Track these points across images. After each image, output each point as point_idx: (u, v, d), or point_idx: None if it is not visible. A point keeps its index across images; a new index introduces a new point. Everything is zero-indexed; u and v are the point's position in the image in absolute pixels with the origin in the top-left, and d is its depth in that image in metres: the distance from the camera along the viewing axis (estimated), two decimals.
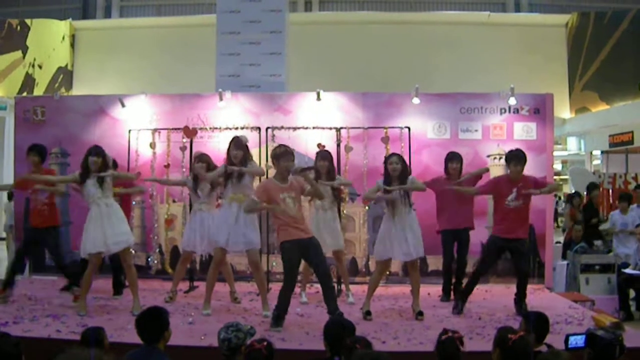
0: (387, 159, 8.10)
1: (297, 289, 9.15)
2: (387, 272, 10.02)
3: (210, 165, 8.79)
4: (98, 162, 8.00)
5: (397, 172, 7.84)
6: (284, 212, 7.20)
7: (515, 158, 8.25)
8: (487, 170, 9.49)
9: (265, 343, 4.44)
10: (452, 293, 9.17)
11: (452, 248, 9.14)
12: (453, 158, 9.18)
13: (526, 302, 8.17)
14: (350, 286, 9.20)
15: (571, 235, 11.91)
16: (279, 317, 7.19)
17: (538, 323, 5.05)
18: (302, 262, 7.81)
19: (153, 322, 4.71)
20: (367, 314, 7.88)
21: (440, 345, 4.44)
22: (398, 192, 7.81)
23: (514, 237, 8.15)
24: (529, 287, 8.50)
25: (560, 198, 21.04)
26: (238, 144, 7.97)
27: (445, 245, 9.20)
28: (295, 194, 7.29)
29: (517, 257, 8.27)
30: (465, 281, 8.88)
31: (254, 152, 8.44)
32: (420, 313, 7.87)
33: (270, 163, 9.92)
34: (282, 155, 7.31)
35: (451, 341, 4.42)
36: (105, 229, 7.94)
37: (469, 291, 8.45)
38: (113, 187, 8.18)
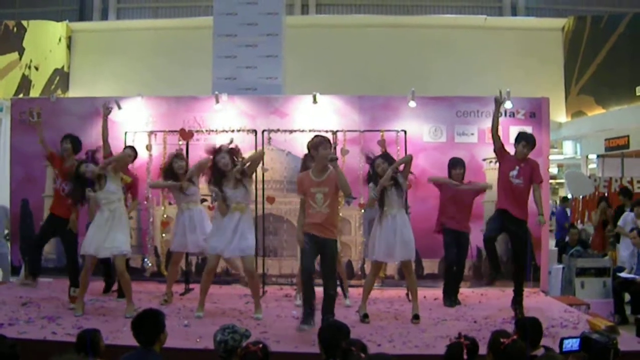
0: (372, 162, 8.09)
1: (292, 292, 9.20)
2: (383, 275, 10.07)
3: (186, 165, 9.04)
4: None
5: (385, 171, 7.87)
6: (312, 208, 7.24)
7: (525, 139, 8.42)
8: (490, 187, 9.40)
9: (260, 345, 4.45)
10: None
11: (454, 248, 9.06)
12: (456, 164, 9.20)
13: (523, 306, 8.19)
14: (348, 299, 9.19)
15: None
16: (308, 314, 7.11)
17: (531, 328, 5.05)
18: (299, 266, 7.84)
19: (149, 324, 4.71)
20: (365, 317, 7.90)
21: (447, 349, 4.47)
22: (391, 188, 7.86)
23: (515, 216, 8.19)
24: (525, 290, 8.50)
25: (556, 202, 21.08)
26: (219, 151, 8.02)
27: (447, 245, 9.09)
28: (330, 189, 7.22)
29: (516, 245, 8.33)
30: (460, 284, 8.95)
31: (249, 154, 8.42)
32: (416, 317, 7.88)
33: (267, 166, 10.02)
34: (320, 143, 7.28)
35: (457, 346, 4.44)
36: (102, 234, 8.00)
37: (496, 264, 8.54)
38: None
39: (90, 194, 8.08)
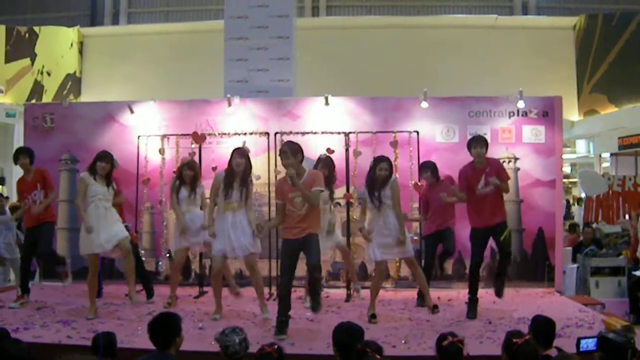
0: (377, 162, 8.06)
1: (302, 294, 9.21)
2: (397, 276, 10.06)
3: (196, 173, 9.02)
4: (106, 169, 8.27)
5: (382, 177, 7.90)
6: (291, 212, 7.28)
7: (475, 140, 8.31)
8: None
9: (275, 347, 4.47)
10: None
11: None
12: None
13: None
14: (362, 290, 9.20)
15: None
16: (281, 323, 7.17)
17: (544, 327, 5.03)
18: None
19: (165, 327, 4.72)
20: (372, 317, 7.93)
21: (442, 351, 4.44)
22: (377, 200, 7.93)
23: (494, 224, 8.18)
24: (540, 290, 8.51)
25: (569, 201, 20.99)
26: (241, 153, 8.01)
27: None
28: None
29: (497, 239, 8.26)
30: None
31: (262, 157, 8.43)
32: (436, 307, 7.90)
33: (280, 168, 10.01)
34: (281, 153, 7.35)
35: (453, 346, 4.42)
36: (100, 230, 8.10)
37: (474, 289, 8.41)
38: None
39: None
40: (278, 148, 9.96)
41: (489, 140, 10.29)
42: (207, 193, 8.78)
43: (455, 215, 9.21)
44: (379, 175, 7.88)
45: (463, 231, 9.08)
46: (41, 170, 9.18)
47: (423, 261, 9.15)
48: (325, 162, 8.81)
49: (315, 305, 7.29)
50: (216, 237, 8.00)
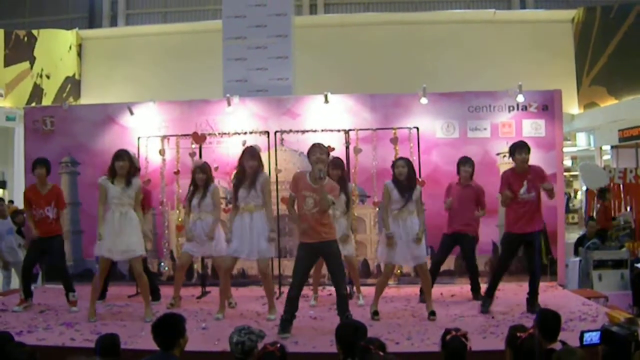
0: (394, 162, 8.10)
1: (309, 292, 9.20)
2: (399, 273, 10.07)
3: (209, 176, 8.88)
4: (125, 167, 8.12)
5: (403, 175, 7.86)
6: (301, 210, 7.23)
7: (519, 147, 8.20)
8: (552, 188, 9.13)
9: (278, 345, 4.46)
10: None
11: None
12: (466, 162, 9.14)
13: (539, 301, 8.15)
14: (363, 288, 9.22)
15: None
16: (286, 322, 7.16)
17: (550, 321, 5.02)
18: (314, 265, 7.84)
19: (169, 328, 4.71)
20: (375, 314, 7.93)
21: (446, 345, 4.43)
22: (401, 201, 7.87)
23: (530, 231, 8.11)
24: (542, 284, 8.48)
25: (571, 195, 20.99)
26: (253, 153, 7.95)
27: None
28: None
29: (531, 252, 8.22)
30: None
31: (262, 156, 8.39)
32: (433, 313, 7.86)
33: (280, 167, 10.04)
34: (310, 150, 7.29)
35: (457, 340, 4.41)
36: (115, 237, 8.00)
37: (492, 291, 8.42)
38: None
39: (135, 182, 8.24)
40: (278, 146, 10.03)
41: (489, 135, 10.41)
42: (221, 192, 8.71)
43: (478, 223, 9.23)
44: (399, 174, 7.90)
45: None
46: (57, 188, 9.25)
47: (433, 257, 9.17)
48: (336, 163, 8.73)
49: (349, 314, 7.14)
50: (232, 237, 7.98)
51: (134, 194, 8.13)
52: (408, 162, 7.99)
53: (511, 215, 8.26)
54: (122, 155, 8.18)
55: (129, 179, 8.13)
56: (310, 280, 9.45)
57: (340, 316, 7.14)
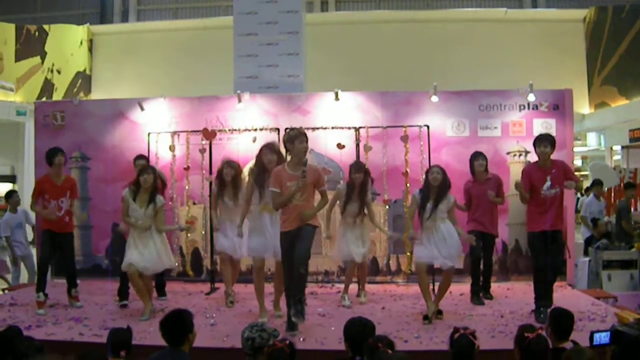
0: (428, 169, 8.04)
1: (317, 289, 9.20)
2: (409, 272, 10.05)
3: (236, 171, 8.76)
4: (149, 180, 8.06)
5: (437, 182, 7.77)
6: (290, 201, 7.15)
7: (541, 139, 8.00)
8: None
9: (287, 342, 4.46)
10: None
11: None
12: (478, 156, 9.09)
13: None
14: (372, 285, 9.24)
15: None
16: (293, 317, 7.07)
17: (564, 319, 5.01)
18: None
19: (177, 324, 4.72)
20: (438, 313, 7.85)
21: (455, 344, 4.43)
22: (430, 210, 7.78)
23: (553, 229, 7.91)
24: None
25: (582, 194, 20.92)
26: (273, 149, 7.91)
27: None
28: (305, 184, 7.10)
29: (555, 249, 8.07)
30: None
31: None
32: (440, 312, 7.85)
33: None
34: (296, 137, 7.17)
35: (465, 338, 4.41)
36: (140, 255, 8.02)
37: (541, 296, 7.95)
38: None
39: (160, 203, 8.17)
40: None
41: (499, 134, 10.38)
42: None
43: (498, 220, 9.23)
44: (433, 180, 7.81)
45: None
46: (72, 178, 9.22)
47: (470, 257, 9.13)
48: (357, 167, 8.76)
49: (296, 316, 6.97)
50: (251, 237, 7.97)
51: (154, 213, 8.11)
52: (442, 170, 7.88)
53: (533, 213, 8.03)
54: (147, 169, 8.17)
55: (152, 195, 8.11)
56: (319, 278, 9.50)
57: (289, 297, 7.11)
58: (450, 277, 7.90)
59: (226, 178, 8.67)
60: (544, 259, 7.90)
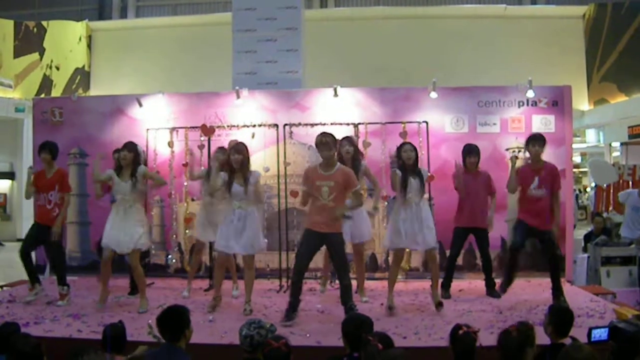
0: (400, 147, 8.04)
1: (317, 286, 9.21)
2: (407, 267, 10.03)
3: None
4: (128, 157, 8.18)
5: (411, 160, 7.85)
6: (315, 200, 7.32)
7: (533, 139, 8.24)
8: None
9: (283, 341, 4.44)
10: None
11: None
12: (471, 152, 9.08)
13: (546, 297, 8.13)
14: (371, 282, 9.22)
15: None
16: (290, 308, 7.29)
17: (563, 315, 5.00)
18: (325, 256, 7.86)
19: (174, 320, 4.72)
20: (390, 309, 7.87)
21: (457, 341, 4.42)
22: (414, 183, 7.83)
23: (540, 230, 8.12)
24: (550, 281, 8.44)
25: (580, 191, 20.93)
26: (352, 141, 8.24)
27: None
28: (335, 184, 7.26)
29: (549, 247, 8.18)
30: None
31: (271, 149, 8.33)
32: (440, 304, 7.85)
33: (288, 160, 10.03)
34: (319, 145, 7.34)
35: (468, 336, 4.40)
36: (118, 229, 8.11)
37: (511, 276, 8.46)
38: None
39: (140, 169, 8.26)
40: (287, 139, 10.03)
41: (498, 130, 10.37)
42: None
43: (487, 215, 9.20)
44: (407, 159, 7.88)
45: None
46: (62, 171, 9.09)
47: (448, 251, 9.11)
48: (349, 140, 8.76)
49: (349, 305, 7.29)
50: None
51: (141, 183, 8.25)
52: (414, 147, 7.98)
53: (522, 211, 8.30)
54: (122, 147, 8.31)
55: (134, 173, 8.20)
56: (319, 274, 9.50)
57: (344, 305, 7.26)
58: (435, 258, 8.01)
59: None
60: (518, 244, 8.29)
